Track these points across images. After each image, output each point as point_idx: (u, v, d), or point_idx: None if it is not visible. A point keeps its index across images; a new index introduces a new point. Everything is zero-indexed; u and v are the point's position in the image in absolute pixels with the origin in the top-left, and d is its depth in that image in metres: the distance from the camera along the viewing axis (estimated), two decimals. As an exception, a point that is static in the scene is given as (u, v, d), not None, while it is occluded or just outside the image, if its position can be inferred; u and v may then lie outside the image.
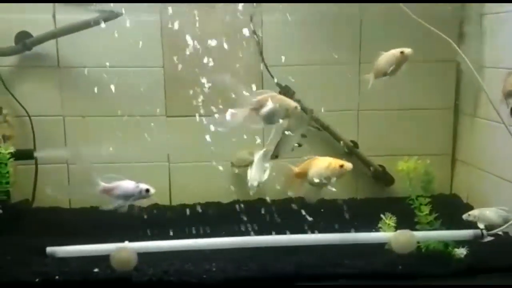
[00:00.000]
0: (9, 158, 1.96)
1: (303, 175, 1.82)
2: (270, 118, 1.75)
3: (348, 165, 1.76)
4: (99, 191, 1.73)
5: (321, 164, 1.77)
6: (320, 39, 2.43)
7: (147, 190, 1.74)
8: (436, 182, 1.86)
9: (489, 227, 1.91)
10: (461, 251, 1.82)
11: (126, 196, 1.74)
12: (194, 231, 2.11)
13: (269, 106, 1.73)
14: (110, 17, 2.19)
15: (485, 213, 1.94)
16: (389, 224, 1.83)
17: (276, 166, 1.99)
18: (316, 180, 1.76)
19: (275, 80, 2.42)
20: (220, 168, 2.26)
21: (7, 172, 1.82)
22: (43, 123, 2.38)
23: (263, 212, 2.14)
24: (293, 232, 1.92)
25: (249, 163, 2.23)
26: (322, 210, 2.34)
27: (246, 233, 2.01)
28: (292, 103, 1.78)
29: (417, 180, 1.84)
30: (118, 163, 2.40)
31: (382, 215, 1.88)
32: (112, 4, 2.20)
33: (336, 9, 2.35)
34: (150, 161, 2.47)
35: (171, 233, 2.04)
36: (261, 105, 1.75)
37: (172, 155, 2.49)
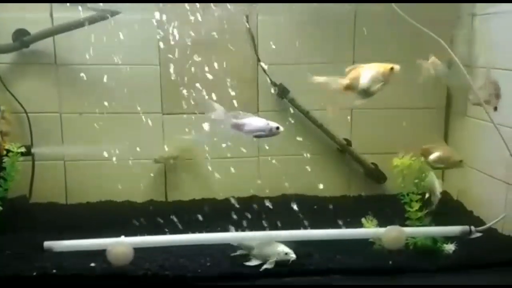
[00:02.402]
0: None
1: (352, 86, 1.77)
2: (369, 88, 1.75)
3: (397, 67, 1.74)
4: (231, 126, 1.78)
5: (372, 70, 1.73)
6: (314, 38, 2.46)
7: (277, 128, 1.79)
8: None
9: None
10: (450, 247, 1.87)
11: (256, 131, 1.79)
12: (189, 227, 2.14)
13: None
14: (107, 15, 2.22)
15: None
16: (370, 227, 1.88)
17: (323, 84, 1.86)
18: (371, 87, 1.71)
19: (270, 79, 2.45)
20: (215, 165, 2.31)
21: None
22: (40, 120, 2.40)
23: (257, 208, 2.18)
24: (286, 228, 1.96)
25: (171, 158, 2.31)
26: (315, 207, 2.39)
27: (240, 229, 2.05)
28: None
29: (411, 177, 1.87)
30: (113, 160, 2.44)
31: (363, 219, 1.93)
32: (102, 4, 2.22)
33: (330, 7, 2.39)
34: (146, 158, 2.50)
35: (167, 229, 2.08)
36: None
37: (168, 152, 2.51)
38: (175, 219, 2.18)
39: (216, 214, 2.28)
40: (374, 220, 1.88)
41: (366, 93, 1.76)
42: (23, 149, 2.04)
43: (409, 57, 1.93)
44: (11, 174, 1.87)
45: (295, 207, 2.18)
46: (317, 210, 2.35)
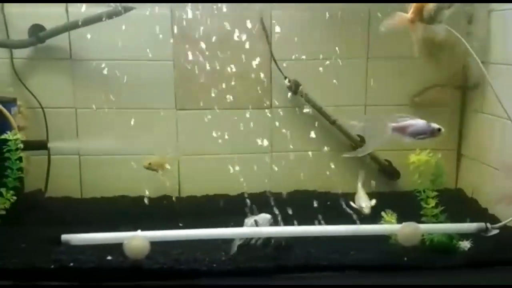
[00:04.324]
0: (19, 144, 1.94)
1: (417, 19, 1.77)
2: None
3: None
4: (391, 130, 1.74)
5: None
6: (328, 34, 2.45)
7: (439, 129, 1.75)
8: (444, 176, 1.88)
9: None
10: (465, 244, 1.86)
11: (419, 134, 1.74)
12: (203, 222, 2.15)
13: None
14: (121, 11, 2.23)
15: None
16: (391, 221, 1.87)
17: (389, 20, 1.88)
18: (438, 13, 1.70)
19: (284, 75, 2.45)
20: (228, 161, 2.31)
21: (18, 159, 1.85)
22: (56, 114, 2.42)
23: (270, 204, 2.18)
24: (300, 223, 1.96)
25: (159, 166, 2.28)
26: (328, 203, 2.38)
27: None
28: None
29: (426, 174, 1.86)
30: (127, 155, 2.46)
31: (383, 212, 1.92)
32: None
33: (344, 4, 2.38)
34: (159, 154, 2.50)
35: (181, 224, 2.09)
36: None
37: (182, 147, 2.52)
38: (189, 214, 2.20)
39: (230, 209, 2.29)
40: (394, 215, 1.86)
41: (433, 20, 1.73)
42: (20, 136, 1.98)
43: (423, 53, 1.92)
44: (15, 163, 1.86)
45: (308, 203, 2.19)
46: (330, 206, 2.34)
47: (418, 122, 1.76)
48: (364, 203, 2.01)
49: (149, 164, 2.24)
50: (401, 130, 1.75)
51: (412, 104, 2.45)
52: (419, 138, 1.75)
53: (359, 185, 2.15)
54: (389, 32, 1.87)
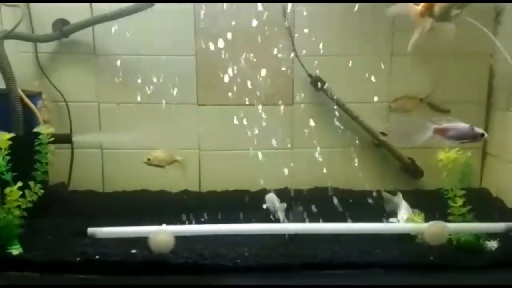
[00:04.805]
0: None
1: (427, 13, 1.74)
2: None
3: None
4: (433, 131, 1.71)
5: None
6: (351, 30, 2.42)
7: (482, 135, 1.71)
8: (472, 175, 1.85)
9: None
10: (493, 244, 1.83)
11: (461, 137, 1.71)
12: (224, 217, 2.15)
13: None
14: (145, 6, 2.23)
15: None
16: (418, 221, 1.84)
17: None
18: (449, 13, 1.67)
19: (307, 71, 2.43)
20: (249, 157, 2.31)
21: (47, 153, 1.86)
22: (79, 108, 2.44)
23: (291, 200, 2.17)
24: (324, 220, 1.95)
25: (160, 162, 2.15)
26: (350, 200, 2.37)
27: (276, 220, 2.05)
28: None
29: (454, 172, 1.83)
30: (149, 150, 2.46)
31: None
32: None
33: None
34: (181, 148, 2.51)
35: (202, 219, 2.09)
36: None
37: (203, 143, 2.52)
38: (209, 210, 2.20)
39: (250, 205, 2.29)
40: (421, 214, 1.84)
41: (444, 17, 1.69)
42: (51, 129, 1.93)
43: (450, 49, 1.88)
44: (45, 156, 1.87)
45: (329, 200, 2.18)
46: (352, 204, 2.32)
47: (460, 126, 1.72)
48: (405, 214, 1.96)
49: (148, 160, 2.14)
50: (443, 132, 1.71)
51: (390, 109, 2.47)
52: (461, 142, 1.72)
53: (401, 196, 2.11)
54: (393, 16, 1.81)
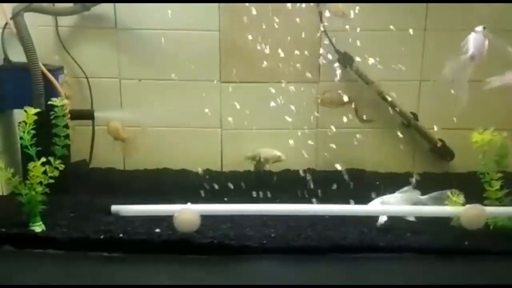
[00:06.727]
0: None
1: None
2: None
3: None
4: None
5: None
6: (382, 3, 2.31)
7: None
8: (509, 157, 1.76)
9: None
10: (531, 229, 1.74)
11: None
12: (247, 198, 2.10)
13: None
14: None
15: None
16: (456, 201, 1.76)
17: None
18: None
19: (335, 47, 2.33)
20: (271, 136, 2.24)
21: (65, 126, 1.82)
22: (99, 85, 2.39)
23: (315, 181, 2.11)
24: (351, 202, 1.88)
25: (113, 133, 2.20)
26: (377, 182, 2.29)
27: (302, 201, 1.99)
28: None
29: (489, 154, 1.74)
30: (171, 127, 2.42)
31: (448, 192, 1.80)
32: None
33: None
34: (202, 127, 2.46)
35: (225, 198, 2.05)
36: None
37: (225, 121, 2.46)
38: (233, 189, 2.16)
39: (274, 185, 2.23)
40: (461, 195, 1.75)
41: None
42: (67, 102, 1.92)
43: (491, 24, 1.77)
44: (63, 130, 1.81)
45: (357, 181, 2.11)
46: (379, 186, 2.25)
47: None
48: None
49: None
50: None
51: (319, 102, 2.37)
52: None
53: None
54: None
